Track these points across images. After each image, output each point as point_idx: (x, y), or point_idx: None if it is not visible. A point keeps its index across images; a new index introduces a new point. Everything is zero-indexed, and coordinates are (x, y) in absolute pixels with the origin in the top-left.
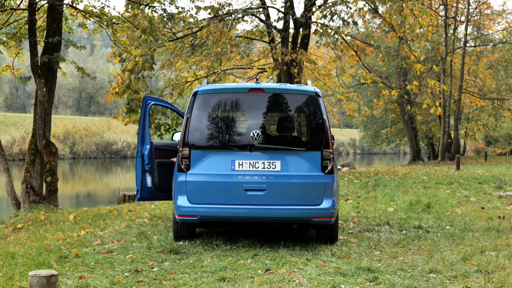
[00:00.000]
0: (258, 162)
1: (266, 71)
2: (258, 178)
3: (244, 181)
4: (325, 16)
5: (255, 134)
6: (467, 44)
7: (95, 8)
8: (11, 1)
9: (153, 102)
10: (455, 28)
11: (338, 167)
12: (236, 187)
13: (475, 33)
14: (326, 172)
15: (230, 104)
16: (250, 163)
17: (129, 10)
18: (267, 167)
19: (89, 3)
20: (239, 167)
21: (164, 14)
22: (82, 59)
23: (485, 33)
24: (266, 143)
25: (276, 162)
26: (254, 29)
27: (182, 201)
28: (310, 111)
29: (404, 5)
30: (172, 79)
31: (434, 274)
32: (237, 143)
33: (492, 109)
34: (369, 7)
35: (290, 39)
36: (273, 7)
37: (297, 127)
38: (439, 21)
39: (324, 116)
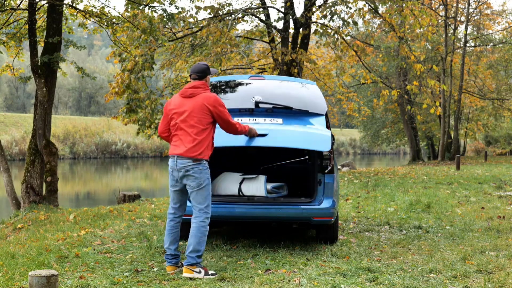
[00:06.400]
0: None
1: (266, 71)
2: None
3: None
4: (325, 16)
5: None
6: (467, 44)
7: (95, 8)
8: (11, 1)
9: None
10: (455, 28)
11: (338, 167)
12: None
13: (475, 33)
14: (326, 172)
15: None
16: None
17: (129, 10)
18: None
19: (89, 3)
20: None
21: (164, 14)
22: (81, 59)
23: (485, 33)
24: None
25: (279, 119)
26: (254, 29)
27: None
28: None
29: (404, 5)
30: (172, 79)
31: (434, 274)
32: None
33: (492, 109)
34: (369, 7)
35: (290, 39)
36: (273, 7)
37: None
38: (439, 21)
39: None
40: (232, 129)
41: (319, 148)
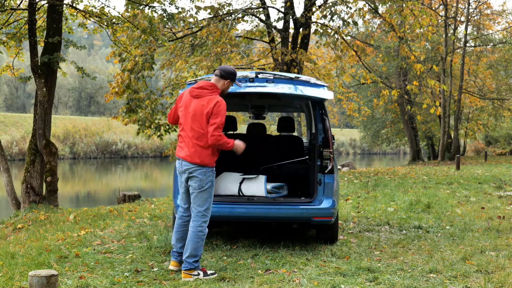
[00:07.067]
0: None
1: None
2: None
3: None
4: (325, 16)
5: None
6: (467, 44)
7: (95, 8)
8: (11, 1)
9: None
10: (455, 28)
11: (338, 167)
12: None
13: (475, 33)
14: (326, 172)
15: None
16: None
17: (129, 10)
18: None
19: (89, 3)
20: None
21: (164, 14)
22: (81, 59)
23: (485, 33)
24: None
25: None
26: (254, 29)
27: None
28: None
29: (404, 5)
30: (172, 79)
31: (434, 274)
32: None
33: (492, 109)
34: (369, 7)
35: (290, 39)
36: (273, 7)
37: (297, 127)
38: (439, 21)
39: (325, 116)
40: (213, 138)
41: (322, 95)
